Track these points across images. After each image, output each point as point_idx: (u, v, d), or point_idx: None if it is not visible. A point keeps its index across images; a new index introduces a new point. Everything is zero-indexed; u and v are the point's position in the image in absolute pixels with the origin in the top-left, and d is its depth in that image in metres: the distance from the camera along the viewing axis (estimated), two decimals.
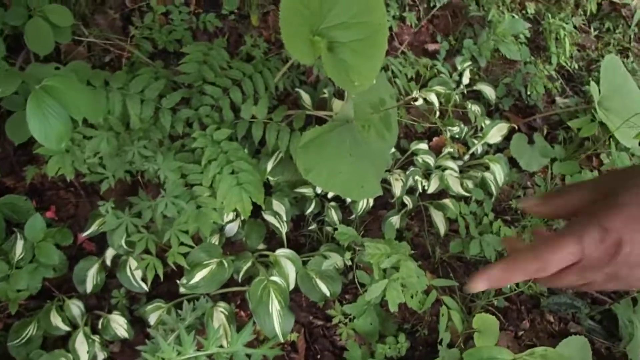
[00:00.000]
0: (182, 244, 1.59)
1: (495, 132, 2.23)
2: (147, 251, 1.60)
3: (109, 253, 1.75)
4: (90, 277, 1.72)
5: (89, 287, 1.72)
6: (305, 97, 2.17)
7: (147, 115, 1.71)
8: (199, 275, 1.60)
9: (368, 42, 1.69)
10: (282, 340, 1.57)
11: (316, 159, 1.72)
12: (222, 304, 1.62)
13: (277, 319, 1.56)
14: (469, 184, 2.08)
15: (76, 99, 1.22)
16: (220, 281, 1.62)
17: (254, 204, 1.69)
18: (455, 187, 2.05)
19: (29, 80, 1.20)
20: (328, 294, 1.77)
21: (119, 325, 1.65)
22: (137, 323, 1.74)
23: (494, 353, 1.23)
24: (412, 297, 1.63)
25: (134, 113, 1.69)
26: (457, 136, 2.32)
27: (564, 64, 2.75)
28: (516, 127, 2.32)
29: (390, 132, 1.96)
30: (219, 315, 1.59)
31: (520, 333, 1.84)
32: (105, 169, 1.56)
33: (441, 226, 2.02)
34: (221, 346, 1.58)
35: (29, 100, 1.16)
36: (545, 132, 2.49)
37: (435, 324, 1.87)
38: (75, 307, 1.68)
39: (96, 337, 1.63)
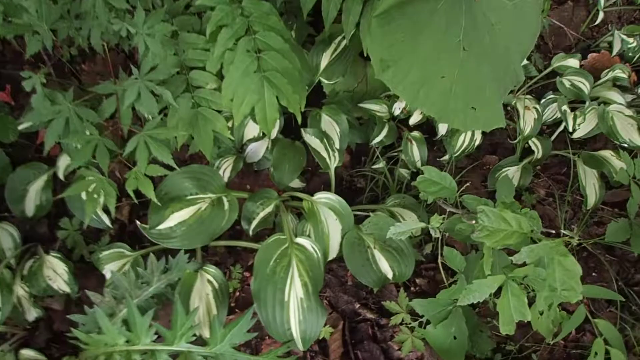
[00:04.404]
0: (154, 161, 0.94)
1: None
2: (97, 167, 0.96)
3: (63, 162, 1.14)
4: (32, 195, 1.14)
5: (29, 209, 1.14)
6: None
7: None
8: (175, 218, 0.94)
9: None
10: (301, 349, 0.91)
11: (403, 47, 0.99)
12: (211, 268, 0.97)
13: (295, 313, 0.89)
14: None
15: None
16: (212, 231, 0.96)
17: (286, 112, 1.00)
18: (627, 133, 1.23)
19: None
20: (390, 275, 1.08)
21: (57, 274, 1.06)
22: (92, 273, 1.15)
23: None
24: (540, 313, 0.91)
25: None
26: (629, 54, 1.45)
27: None
28: None
29: (536, 21, 1.15)
30: (204, 286, 0.95)
31: None
32: (37, 17, 0.90)
33: (591, 192, 1.24)
34: (200, 337, 0.96)
35: None
36: None
37: (563, 349, 1.14)
38: (7, 236, 1.11)
39: (25, 286, 1.06)
